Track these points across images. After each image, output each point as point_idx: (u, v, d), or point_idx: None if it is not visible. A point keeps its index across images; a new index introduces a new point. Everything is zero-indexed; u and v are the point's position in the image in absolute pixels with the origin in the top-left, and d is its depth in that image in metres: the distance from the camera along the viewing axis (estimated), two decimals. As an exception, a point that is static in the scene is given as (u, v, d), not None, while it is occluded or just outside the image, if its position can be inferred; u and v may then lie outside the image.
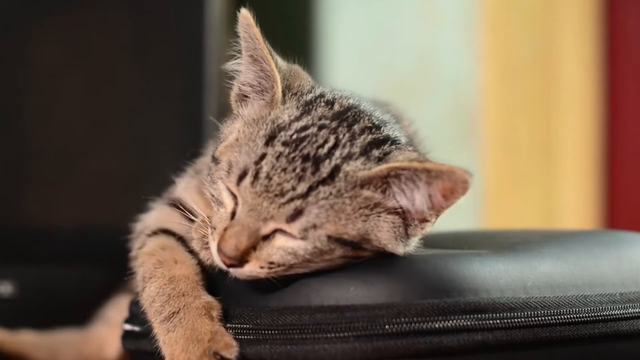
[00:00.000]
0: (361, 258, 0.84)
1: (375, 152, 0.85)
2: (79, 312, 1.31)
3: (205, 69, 1.55)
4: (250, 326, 0.84)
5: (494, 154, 2.12)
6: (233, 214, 0.84)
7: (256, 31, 0.87)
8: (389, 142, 0.86)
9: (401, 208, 0.84)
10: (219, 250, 0.83)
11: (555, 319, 0.85)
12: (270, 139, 0.84)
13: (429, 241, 0.99)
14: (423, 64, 2.14)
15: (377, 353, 0.81)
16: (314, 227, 0.82)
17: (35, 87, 1.54)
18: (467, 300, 0.82)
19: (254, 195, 0.82)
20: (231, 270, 0.84)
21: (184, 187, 0.99)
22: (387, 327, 0.81)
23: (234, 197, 0.84)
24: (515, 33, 2.15)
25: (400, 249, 0.85)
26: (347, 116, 0.87)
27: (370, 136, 0.86)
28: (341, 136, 0.85)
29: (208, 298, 0.87)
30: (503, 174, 2.14)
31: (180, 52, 1.58)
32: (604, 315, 0.88)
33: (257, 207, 0.82)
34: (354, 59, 2.18)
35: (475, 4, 2.11)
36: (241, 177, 0.83)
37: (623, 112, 2.29)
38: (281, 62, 0.90)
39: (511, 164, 2.16)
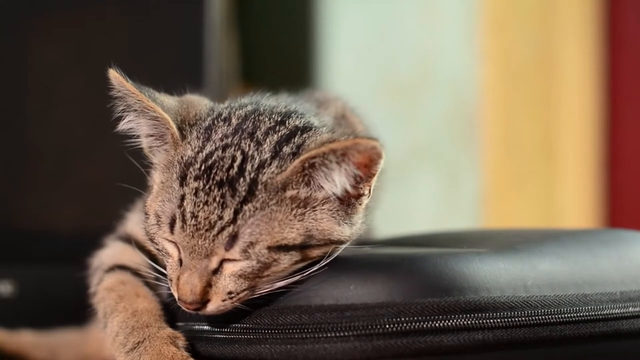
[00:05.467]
0: (314, 259, 0.83)
1: (287, 149, 0.84)
2: (79, 312, 1.30)
3: (205, 69, 1.55)
4: (250, 326, 0.84)
5: (494, 154, 2.12)
6: (181, 261, 0.84)
7: (129, 86, 0.87)
8: (299, 133, 0.85)
9: (331, 195, 0.84)
10: (179, 299, 0.83)
11: (555, 317, 0.85)
12: (183, 179, 0.83)
13: (430, 240, 0.99)
14: (423, 64, 2.13)
15: (377, 352, 0.80)
16: (252, 244, 0.81)
17: (35, 87, 1.54)
18: (467, 299, 0.82)
19: (188, 238, 0.82)
20: (200, 312, 0.83)
21: (136, 222, 0.98)
22: (387, 326, 0.80)
23: (175, 244, 0.84)
24: (515, 33, 2.15)
25: (346, 232, 0.85)
26: (246, 126, 0.86)
27: (275, 135, 0.85)
28: (247, 148, 0.84)
29: (172, 330, 0.87)
30: (503, 174, 2.14)
31: (180, 52, 1.58)
32: (604, 314, 0.88)
33: (195, 247, 0.82)
34: (354, 59, 2.18)
35: (475, 4, 2.11)
36: (172, 224, 0.83)
37: (623, 111, 2.29)
38: (168, 101, 0.90)
39: (511, 164, 2.15)
